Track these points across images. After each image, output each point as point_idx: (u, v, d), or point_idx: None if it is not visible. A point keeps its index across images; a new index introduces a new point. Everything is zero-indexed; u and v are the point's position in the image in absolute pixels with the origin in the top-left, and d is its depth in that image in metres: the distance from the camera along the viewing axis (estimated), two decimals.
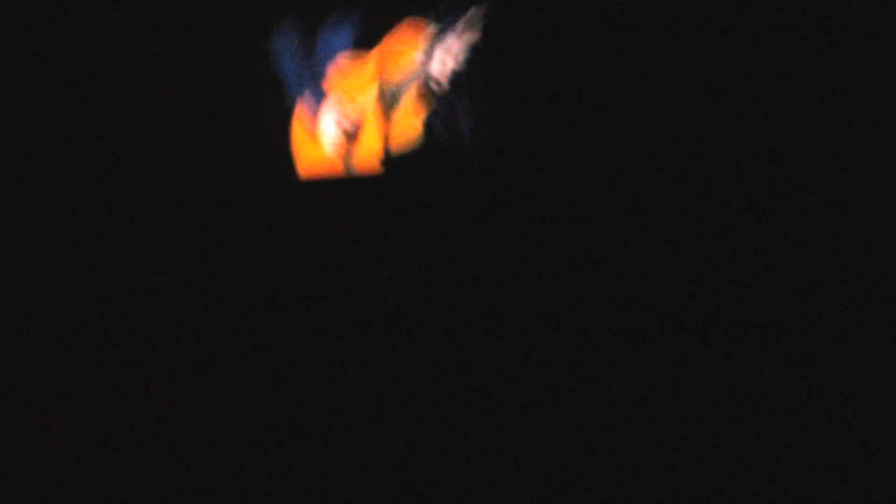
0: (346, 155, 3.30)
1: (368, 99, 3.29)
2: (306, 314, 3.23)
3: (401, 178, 3.24)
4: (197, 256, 3.32)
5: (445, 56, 3.12)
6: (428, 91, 3.18)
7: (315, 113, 3.32)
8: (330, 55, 3.31)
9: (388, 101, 3.26)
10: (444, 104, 3.17)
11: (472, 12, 3.08)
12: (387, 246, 3.23)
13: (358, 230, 3.26)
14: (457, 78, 3.14)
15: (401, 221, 3.23)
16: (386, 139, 3.26)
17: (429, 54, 3.16)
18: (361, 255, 3.24)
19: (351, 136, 3.29)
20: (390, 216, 3.24)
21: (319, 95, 3.32)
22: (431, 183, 3.21)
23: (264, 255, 3.30)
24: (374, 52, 3.27)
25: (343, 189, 3.32)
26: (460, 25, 3.09)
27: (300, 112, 3.32)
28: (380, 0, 3.25)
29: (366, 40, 3.28)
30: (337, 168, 3.31)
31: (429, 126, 3.19)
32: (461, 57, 3.12)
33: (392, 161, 3.24)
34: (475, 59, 3.12)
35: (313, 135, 3.32)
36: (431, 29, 3.17)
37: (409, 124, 3.23)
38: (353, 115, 3.30)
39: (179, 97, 3.37)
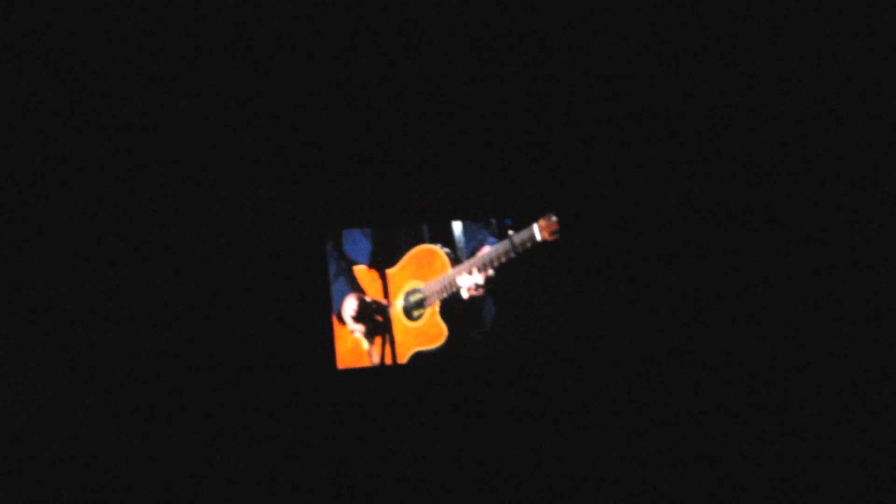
0: (375, 352, 3.88)
1: (396, 302, 3.93)
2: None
3: (424, 373, 3.85)
4: (246, 438, 3.68)
5: (475, 275, 3.86)
6: (455, 300, 3.90)
7: (346, 312, 3.90)
8: (359, 262, 3.94)
9: (413, 306, 3.92)
10: (468, 313, 3.90)
11: (488, 254, 3.87)
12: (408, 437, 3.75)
13: (387, 417, 3.79)
14: (480, 290, 3.89)
15: (427, 410, 3.80)
16: (411, 339, 3.89)
17: (457, 273, 3.89)
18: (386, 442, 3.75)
19: (379, 333, 3.89)
20: (417, 406, 3.81)
21: (352, 297, 3.91)
22: (452, 378, 3.85)
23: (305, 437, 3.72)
24: (402, 264, 3.94)
25: (374, 378, 3.86)
26: (480, 259, 3.87)
27: (338, 310, 3.89)
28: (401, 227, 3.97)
29: (387, 255, 3.95)
30: (368, 361, 3.87)
31: (452, 330, 3.87)
32: (486, 277, 3.88)
33: (417, 358, 3.87)
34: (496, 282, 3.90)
35: (348, 331, 3.88)
36: (448, 254, 3.92)
37: (434, 327, 3.90)
38: (381, 317, 3.90)
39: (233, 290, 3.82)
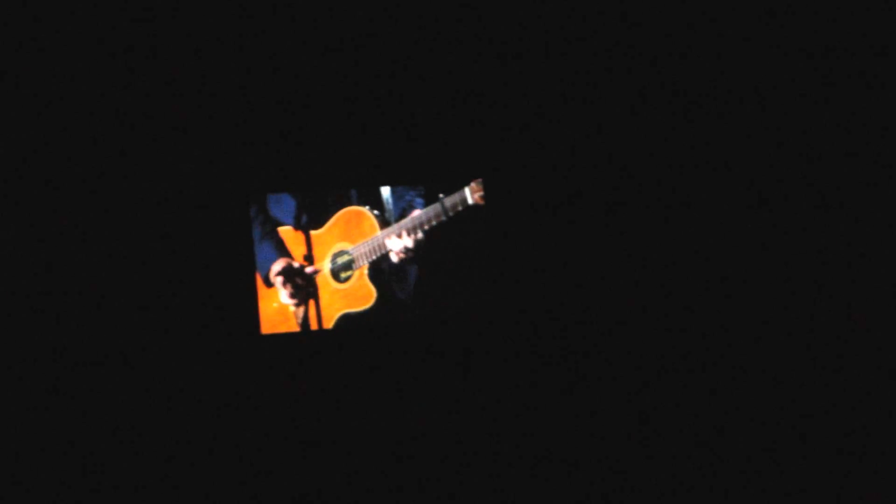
0: (301, 314, 3.82)
1: (323, 265, 3.85)
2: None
3: (352, 335, 3.83)
4: (166, 400, 3.64)
5: (404, 238, 3.79)
6: (383, 262, 3.83)
7: (273, 275, 3.81)
8: (284, 224, 3.83)
9: (341, 268, 3.85)
10: (396, 274, 3.86)
11: (419, 217, 3.79)
12: (341, 398, 3.75)
13: (312, 382, 3.77)
14: (409, 254, 3.84)
15: (352, 374, 3.79)
16: (338, 301, 3.84)
17: (387, 235, 3.81)
18: (317, 405, 3.75)
19: (305, 297, 3.82)
20: (342, 370, 3.80)
21: (276, 260, 3.82)
22: (381, 339, 3.84)
23: (228, 402, 3.69)
24: (329, 225, 3.84)
25: (299, 344, 3.83)
26: (410, 221, 3.79)
27: (265, 273, 3.80)
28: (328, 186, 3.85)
29: (314, 216, 3.85)
30: (293, 325, 3.82)
31: (381, 291, 3.84)
32: (416, 240, 3.82)
33: (344, 320, 3.83)
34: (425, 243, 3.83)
35: (273, 295, 3.80)
36: (377, 216, 3.83)
37: (362, 289, 3.85)
38: (306, 279, 3.83)
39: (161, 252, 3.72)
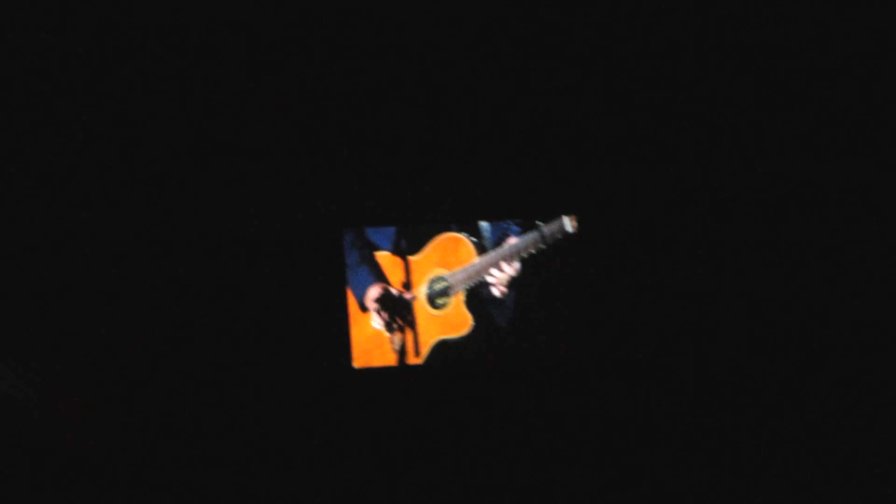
0: (396, 340, 3.82)
1: (420, 290, 3.85)
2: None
3: (448, 366, 3.81)
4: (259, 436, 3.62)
5: (504, 268, 3.80)
6: (481, 289, 3.84)
7: (369, 301, 3.81)
8: (382, 249, 3.84)
9: (437, 294, 3.85)
10: (495, 304, 3.84)
11: (516, 245, 3.80)
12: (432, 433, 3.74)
13: (407, 416, 3.76)
14: (510, 285, 3.84)
15: (445, 408, 3.76)
16: (434, 328, 3.83)
17: (485, 262, 3.82)
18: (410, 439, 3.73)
19: (400, 323, 3.82)
20: (435, 403, 3.78)
21: (372, 285, 3.83)
22: (478, 370, 3.82)
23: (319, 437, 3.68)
24: (426, 251, 3.86)
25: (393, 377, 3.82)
26: (508, 249, 3.79)
27: (361, 298, 3.81)
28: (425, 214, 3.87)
29: (412, 241, 3.86)
30: (387, 351, 3.81)
31: (478, 320, 3.82)
32: (515, 269, 3.83)
33: (440, 346, 3.82)
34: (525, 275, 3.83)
35: (367, 320, 3.80)
36: (474, 242, 3.84)
37: (459, 316, 3.85)
38: (403, 305, 3.83)
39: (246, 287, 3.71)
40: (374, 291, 3.83)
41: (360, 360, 3.80)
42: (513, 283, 3.82)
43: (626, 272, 3.85)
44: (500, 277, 3.80)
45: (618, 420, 3.72)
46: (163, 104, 3.63)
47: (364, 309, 3.82)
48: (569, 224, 3.80)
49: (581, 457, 3.65)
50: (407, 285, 3.85)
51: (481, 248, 3.84)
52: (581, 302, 3.82)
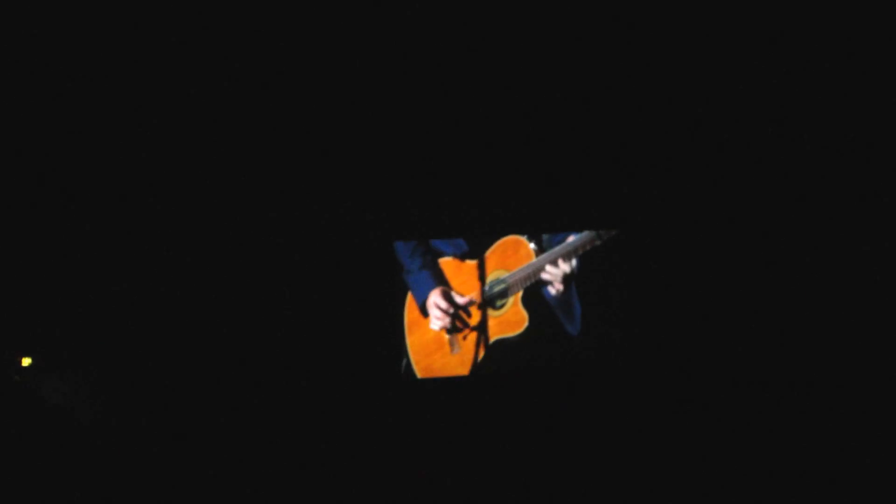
0: (456, 342, 3.91)
1: (480, 293, 3.94)
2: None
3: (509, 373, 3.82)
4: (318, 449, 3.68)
5: (561, 265, 3.91)
6: (540, 291, 3.93)
7: (430, 304, 3.92)
8: (445, 254, 3.96)
9: (497, 296, 3.95)
10: (554, 304, 3.91)
11: (573, 242, 3.87)
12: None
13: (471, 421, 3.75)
14: (568, 283, 3.95)
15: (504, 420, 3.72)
16: (493, 328, 3.92)
17: (543, 261, 3.94)
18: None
19: (459, 328, 3.93)
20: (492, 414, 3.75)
21: (434, 289, 3.93)
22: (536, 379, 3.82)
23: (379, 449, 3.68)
24: (488, 254, 3.94)
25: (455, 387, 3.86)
26: (565, 247, 3.88)
27: (422, 303, 3.91)
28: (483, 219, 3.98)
29: (474, 246, 3.96)
30: (447, 353, 3.90)
31: (537, 321, 3.85)
32: (571, 266, 3.93)
33: (498, 344, 3.90)
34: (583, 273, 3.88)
35: (428, 323, 3.91)
36: (533, 246, 3.93)
37: (516, 314, 3.95)
38: (463, 308, 3.93)
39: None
40: (434, 295, 3.92)
41: (420, 363, 3.88)
42: (568, 280, 3.90)
43: (679, 274, 3.89)
44: (555, 274, 3.87)
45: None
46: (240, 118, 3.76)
47: (425, 314, 3.92)
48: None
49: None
50: (466, 287, 3.94)
51: (541, 250, 3.93)
52: (635, 300, 3.90)
